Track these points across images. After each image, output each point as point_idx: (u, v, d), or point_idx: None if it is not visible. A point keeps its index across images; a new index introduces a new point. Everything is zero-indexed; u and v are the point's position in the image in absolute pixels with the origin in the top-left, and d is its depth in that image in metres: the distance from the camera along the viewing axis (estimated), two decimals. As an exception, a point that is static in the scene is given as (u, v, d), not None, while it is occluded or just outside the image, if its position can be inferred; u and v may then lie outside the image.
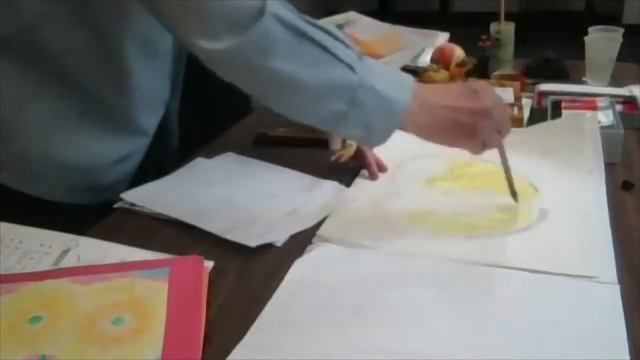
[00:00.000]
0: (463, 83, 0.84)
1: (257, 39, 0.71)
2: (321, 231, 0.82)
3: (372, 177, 0.98)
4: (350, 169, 0.99)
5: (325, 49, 0.73)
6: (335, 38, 0.75)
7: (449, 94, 0.79)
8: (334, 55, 0.73)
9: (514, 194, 0.87)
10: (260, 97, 0.78)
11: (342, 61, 0.73)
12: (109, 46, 0.87)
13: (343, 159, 0.99)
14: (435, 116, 0.77)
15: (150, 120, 1.00)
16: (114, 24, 0.85)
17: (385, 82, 0.75)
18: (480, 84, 0.81)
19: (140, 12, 0.84)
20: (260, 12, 0.70)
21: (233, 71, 0.75)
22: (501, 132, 0.81)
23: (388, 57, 1.52)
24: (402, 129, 0.78)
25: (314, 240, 0.81)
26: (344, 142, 0.99)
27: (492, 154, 1.00)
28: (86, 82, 0.88)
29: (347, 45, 0.75)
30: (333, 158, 1.00)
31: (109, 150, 0.95)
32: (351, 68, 0.73)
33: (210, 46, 0.71)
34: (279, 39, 0.71)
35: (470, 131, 0.78)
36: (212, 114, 1.23)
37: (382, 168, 0.99)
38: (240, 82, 0.76)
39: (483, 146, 0.81)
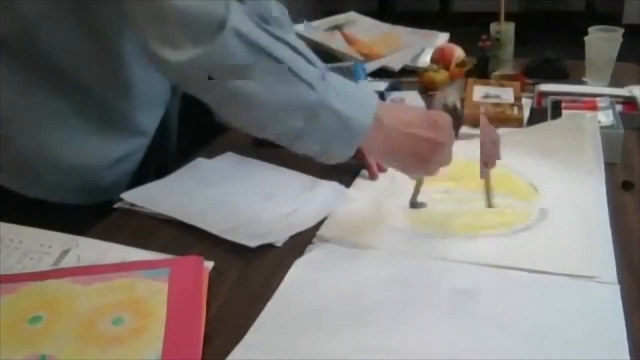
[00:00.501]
0: (425, 111, 0.85)
1: (216, 53, 0.69)
2: (321, 231, 0.82)
3: (372, 177, 0.98)
4: (350, 169, 0.99)
5: (285, 66, 0.72)
6: (299, 53, 0.74)
7: (411, 121, 0.78)
8: (294, 73, 0.72)
9: (413, 203, 0.88)
10: (218, 111, 0.77)
11: (302, 79, 0.72)
12: (108, 47, 0.87)
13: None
14: (393, 141, 0.77)
15: (149, 121, 1.00)
16: (113, 25, 0.85)
17: (347, 102, 0.74)
18: (440, 115, 0.81)
19: None
20: (221, 24, 0.69)
21: (190, 84, 0.74)
22: (442, 165, 0.81)
23: (388, 57, 1.53)
24: (356, 147, 0.77)
25: (314, 240, 0.81)
26: None
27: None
28: (85, 83, 0.88)
29: (309, 61, 0.74)
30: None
31: (108, 150, 0.95)
32: (311, 86, 0.72)
33: (170, 56, 0.70)
34: (238, 56, 0.70)
35: (423, 161, 0.78)
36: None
37: (382, 168, 0.99)
38: (198, 94, 0.75)
39: (426, 173, 0.82)
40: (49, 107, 0.88)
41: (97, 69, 0.88)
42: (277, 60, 0.72)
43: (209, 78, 0.71)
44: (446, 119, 0.80)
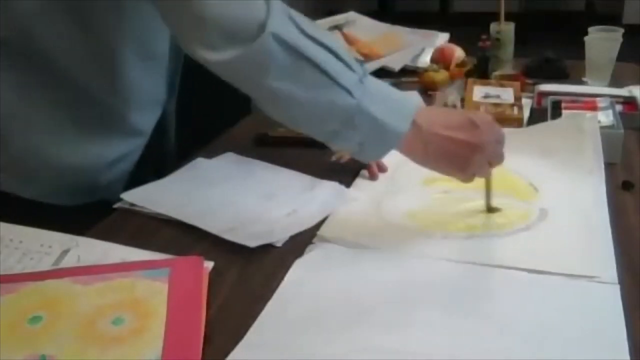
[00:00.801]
0: (466, 113, 0.84)
1: (255, 56, 0.70)
2: (321, 231, 0.82)
3: (372, 177, 0.98)
4: (350, 169, 0.99)
5: (324, 71, 0.72)
6: (338, 58, 0.74)
7: (449, 124, 0.78)
8: (332, 79, 0.73)
9: (489, 209, 0.87)
10: (259, 106, 0.78)
11: (340, 85, 0.73)
12: (104, 48, 0.86)
13: (344, 160, 0.99)
14: (430, 145, 0.78)
15: (146, 121, 1.00)
16: (109, 26, 0.85)
17: (385, 107, 0.75)
18: (484, 117, 0.81)
19: (136, 13, 0.84)
20: (261, 28, 0.70)
21: (233, 80, 0.75)
22: (492, 164, 0.81)
23: (388, 57, 1.53)
24: (397, 150, 0.78)
25: (314, 240, 0.81)
26: None
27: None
28: (81, 83, 0.88)
29: (349, 67, 0.74)
30: (334, 158, 1.00)
31: (105, 150, 0.94)
32: (349, 92, 0.73)
33: (210, 57, 0.72)
34: (278, 59, 0.71)
35: (462, 163, 0.78)
36: (212, 114, 1.23)
37: (382, 168, 0.99)
38: (242, 90, 0.76)
39: (472, 177, 0.81)
40: (45, 108, 0.88)
41: (94, 70, 0.87)
42: (316, 65, 0.72)
43: (249, 78, 0.73)
44: (485, 118, 0.80)
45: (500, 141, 0.81)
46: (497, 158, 0.81)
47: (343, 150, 0.79)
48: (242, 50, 0.70)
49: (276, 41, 0.70)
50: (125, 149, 0.97)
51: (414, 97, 0.80)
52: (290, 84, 0.72)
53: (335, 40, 0.76)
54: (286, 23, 0.72)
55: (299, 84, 0.72)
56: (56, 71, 0.86)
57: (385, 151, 0.78)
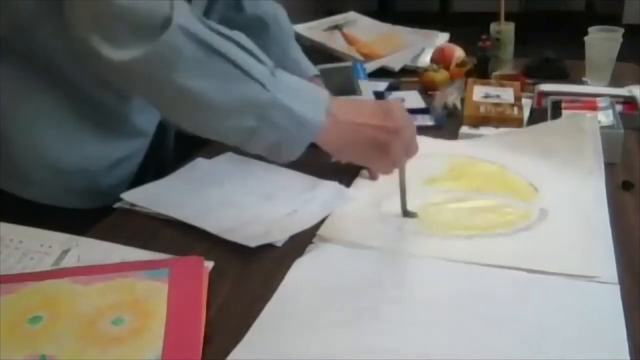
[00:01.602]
0: (377, 101, 0.84)
1: (162, 51, 0.68)
2: (321, 231, 0.82)
3: (372, 177, 0.98)
4: (350, 169, 0.99)
5: (236, 65, 0.70)
6: (248, 52, 0.72)
7: (363, 112, 0.78)
8: (245, 71, 0.71)
9: (405, 212, 0.86)
10: (164, 113, 0.76)
11: (253, 78, 0.71)
12: None
13: (345, 160, 0.99)
14: (348, 134, 0.77)
15: (148, 122, 1.00)
16: None
17: (299, 99, 0.74)
18: (392, 103, 0.81)
19: None
20: (167, 22, 0.67)
21: (136, 84, 0.73)
22: (408, 153, 0.81)
23: (388, 57, 1.53)
24: (314, 143, 0.77)
25: (314, 240, 0.81)
26: None
27: (494, 155, 1.00)
28: (83, 84, 0.87)
29: (259, 61, 0.73)
30: (334, 159, 1.00)
31: (107, 152, 0.94)
32: (263, 85, 0.71)
33: (113, 55, 0.69)
34: (186, 53, 0.68)
35: (381, 150, 0.78)
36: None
37: None
38: (144, 95, 0.74)
39: (392, 165, 0.81)
40: (47, 109, 0.87)
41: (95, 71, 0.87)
42: (226, 58, 0.70)
43: (156, 77, 0.69)
44: (397, 105, 0.80)
45: (414, 130, 0.80)
46: (413, 146, 0.81)
47: (259, 151, 0.76)
48: (148, 46, 0.67)
49: (184, 34, 0.68)
50: (127, 151, 0.97)
51: (323, 89, 0.80)
52: (200, 80, 0.69)
53: (243, 37, 0.74)
54: (192, 18, 0.70)
55: (209, 80, 0.70)
56: (57, 72, 0.86)
57: (302, 147, 0.76)
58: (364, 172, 0.99)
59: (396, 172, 0.84)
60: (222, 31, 0.71)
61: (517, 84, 1.26)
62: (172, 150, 1.12)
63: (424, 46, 1.59)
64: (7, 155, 0.88)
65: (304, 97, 0.75)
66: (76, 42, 0.74)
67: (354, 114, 0.77)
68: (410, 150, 0.81)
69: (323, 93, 0.78)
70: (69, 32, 0.75)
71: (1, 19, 0.82)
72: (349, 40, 1.58)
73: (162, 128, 1.04)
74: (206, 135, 0.77)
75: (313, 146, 1.05)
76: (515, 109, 1.15)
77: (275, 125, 0.73)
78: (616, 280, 0.71)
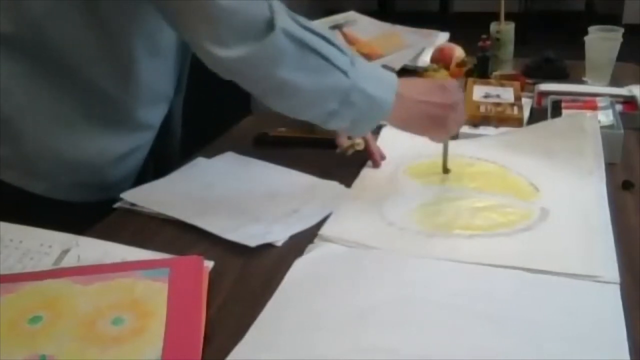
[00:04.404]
0: (432, 79, 0.97)
1: (267, 51, 0.76)
2: (323, 231, 0.82)
3: (375, 165, 1.00)
4: (350, 169, 0.99)
5: (324, 57, 0.79)
6: (331, 44, 0.80)
7: (423, 90, 0.88)
8: (331, 63, 0.79)
9: (445, 170, 0.97)
10: (262, 99, 0.82)
11: (338, 68, 0.80)
12: (115, 43, 0.87)
13: (349, 153, 1.01)
14: (412, 110, 0.87)
15: (154, 116, 1.01)
16: (121, 23, 0.85)
17: (373, 83, 0.83)
18: (447, 80, 0.93)
19: (147, 10, 0.84)
20: (270, 25, 0.75)
21: (240, 77, 0.80)
22: (460, 123, 0.94)
23: (388, 57, 1.52)
24: (383, 121, 0.87)
25: (315, 240, 0.81)
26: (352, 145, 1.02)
27: (494, 155, 1.00)
28: (91, 79, 0.88)
29: (341, 51, 0.81)
30: (339, 151, 1.01)
31: (114, 145, 0.95)
32: (345, 73, 0.80)
33: (221, 53, 0.76)
34: (287, 51, 0.77)
35: (440, 123, 0.88)
36: (212, 114, 1.23)
37: (383, 156, 1.02)
38: (245, 85, 0.81)
39: (446, 135, 0.93)
40: (56, 104, 0.88)
41: (104, 66, 0.88)
42: (318, 53, 0.79)
43: (259, 72, 0.78)
44: (453, 83, 0.92)
45: (463, 100, 0.93)
46: (463, 116, 0.94)
47: (336, 128, 0.87)
48: (254, 47, 0.75)
49: (286, 36, 0.76)
50: (133, 144, 0.98)
51: (391, 72, 0.89)
52: (297, 72, 0.78)
53: (325, 29, 0.82)
54: (289, 20, 0.77)
55: (304, 72, 0.78)
56: (66, 67, 0.86)
57: (375, 122, 0.86)
58: (365, 172, 0.99)
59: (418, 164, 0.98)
60: (312, 27, 0.80)
61: (517, 84, 1.26)
62: (177, 149, 1.12)
63: (424, 46, 1.58)
64: (18, 151, 0.89)
65: (377, 80, 0.84)
66: (186, 41, 0.84)
67: (417, 92, 0.88)
68: (461, 121, 0.93)
69: (392, 76, 0.87)
70: (180, 33, 0.84)
71: (12, 16, 0.83)
72: (349, 40, 1.58)
73: (167, 126, 1.05)
74: (294, 116, 0.85)
75: (313, 146, 1.06)
76: (515, 109, 1.15)
77: (354, 107, 0.82)
78: (618, 279, 0.71)
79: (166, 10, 0.80)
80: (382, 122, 0.90)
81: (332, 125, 0.85)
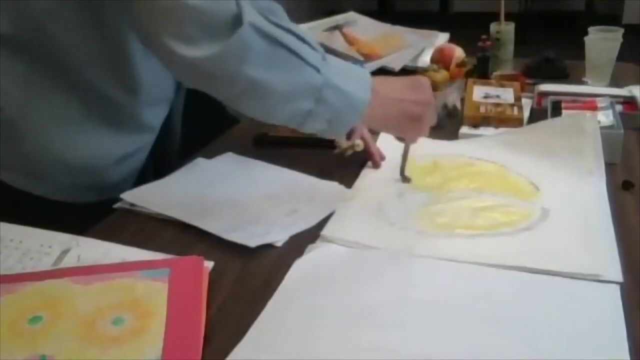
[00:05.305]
0: (408, 77, 0.93)
1: (236, 47, 0.72)
2: (325, 231, 0.82)
3: (375, 166, 0.99)
4: (350, 170, 0.99)
5: (294, 53, 0.76)
6: (304, 41, 0.78)
7: (398, 87, 0.87)
8: (302, 59, 0.77)
9: (403, 177, 0.96)
10: (230, 102, 0.80)
11: (309, 64, 0.77)
12: (117, 44, 0.87)
13: (348, 154, 1.00)
14: (389, 108, 0.85)
15: (155, 118, 1.01)
16: (122, 24, 0.85)
17: (347, 79, 0.80)
18: (421, 78, 0.90)
19: None
20: (238, 20, 0.72)
21: (207, 79, 0.76)
22: (431, 123, 0.91)
23: (388, 57, 1.52)
24: (359, 119, 0.84)
25: (318, 241, 0.81)
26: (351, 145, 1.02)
27: (494, 155, 1.00)
28: (92, 80, 0.88)
29: (313, 48, 0.79)
30: (337, 151, 1.01)
31: (115, 147, 0.95)
32: (317, 69, 0.77)
33: (188, 53, 0.72)
34: (256, 47, 0.73)
35: (416, 120, 0.87)
36: (212, 115, 1.23)
37: (382, 157, 1.02)
38: (212, 89, 0.77)
39: (422, 133, 0.91)
40: (56, 105, 0.88)
41: (105, 67, 0.88)
42: (289, 49, 0.76)
43: (227, 71, 0.74)
44: (425, 80, 0.90)
45: (434, 99, 0.90)
46: (434, 114, 0.92)
47: (313, 130, 0.82)
48: (221, 45, 0.72)
49: (254, 31, 0.73)
50: (134, 146, 0.98)
51: (364, 69, 0.87)
52: (265, 70, 0.75)
53: (296, 26, 0.79)
54: (258, 15, 0.74)
55: (273, 69, 0.75)
56: (67, 68, 0.86)
57: (352, 122, 0.83)
58: (365, 172, 0.99)
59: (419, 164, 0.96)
60: (281, 24, 0.77)
61: (517, 84, 1.26)
62: (177, 149, 1.13)
63: (424, 46, 1.58)
64: (19, 152, 0.89)
65: (351, 77, 0.81)
66: (145, 40, 0.79)
67: (391, 89, 0.86)
68: (434, 119, 0.91)
69: (366, 73, 0.84)
70: (138, 31, 0.80)
71: (13, 17, 0.83)
72: (349, 40, 1.58)
73: (167, 127, 1.05)
74: (268, 121, 0.82)
75: (313, 146, 1.06)
76: (515, 109, 1.15)
77: (329, 105, 0.79)
78: (621, 278, 0.71)
79: (128, 7, 0.76)
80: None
81: (309, 126, 0.81)
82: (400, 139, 0.94)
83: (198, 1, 0.71)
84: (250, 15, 0.73)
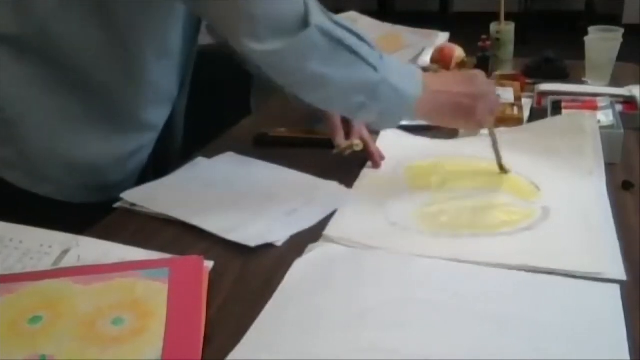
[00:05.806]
0: (461, 71, 0.99)
1: (300, 46, 0.79)
2: (327, 232, 0.82)
3: (375, 166, 0.99)
4: (350, 170, 0.99)
5: (357, 54, 0.82)
6: (364, 41, 0.83)
7: (450, 81, 0.90)
8: (362, 58, 0.82)
9: (501, 168, 0.96)
10: (293, 90, 0.85)
11: (368, 63, 0.82)
12: (123, 44, 0.87)
13: (347, 154, 1.00)
14: (440, 102, 0.88)
15: (158, 117, 1.01)
16: (128, 24, 0.85)
17: (400, 77, 0.85)
18: (474, 71, 0.93)
19: (155, 11, 0.85)
20: (305, 22, 0.78)
21: (272, 69, 0.82)
22: (493, 112, 0.93)
23: (388, 57, 1.52)
24: (411, 114, 0.88)
25: (320, 240, 0.81)
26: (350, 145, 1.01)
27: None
28: (98, 80, 0.88)
29: (371, 47, 0.84)
30: (335, 151, 1.00)
31: (118, 147, 0.95)
32: (374, 68, 0.82)
33: (256, 47, 0.78)
34: (319, 46, 0.79)
35: (469, 113, 0.89)
36: (212, 115, 1.23)
37: (382, 157, 1.02)
38: (276, 77, 0.83)
39: (479, 125, 0.93)
40: (60, 105, 0.88)
41: (110, 67, 0.88)
42: (350, 49, 0.81)
43: (291, 65, 0.81)
44: (479, 72, 0.93)
45: (493, 89, 0.95)
46: (496, 105, 0.95)
47: (365, 120, 0.90)
48: (288, 41, 0.78)
49: (320, 32, 0.79)
50: (137, 144, 0.99)
51: (416, 67, 0.93)
52: (328, 67, 0.81)
53: (355, 26, 0.84)
54: (324, 17, 0.80)
55: (335, 67, 0.81)
56: (71, 69, 0.86)
57: (402, 115, 0.88)
58: (365, 172, 0.99)
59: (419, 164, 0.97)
60: (343, 24, 0.83)
61: (517, 84, 1.26)
62: (179, 149, 1.13)
63: (424, 46, 1.58)
64: (23, 153, 0.89)
65: (404, 75, 0.86)
66: (221, 36, 0.87)
67: (442, 83, 0.90)
68: (495, 109, 0.94)
69: (417, 71, 0.89)
70: (215, 29, 0.88)
71: (17, 17, 0.83)
72: (349, 40, 1.57)
73: (170, 127, 1.05)
74: (324, 108, 0.91)
75: (313, 146, 1.06)
76: (515, 109, 1.15)
77: (382, 100, 0.84)
78: (624, 276, 0.71)
79: (203, 9, 0.82)
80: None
81: (361, 117, 0.89)
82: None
83: (270, 5, 0.77)
84: (317, 17, 0.79)
